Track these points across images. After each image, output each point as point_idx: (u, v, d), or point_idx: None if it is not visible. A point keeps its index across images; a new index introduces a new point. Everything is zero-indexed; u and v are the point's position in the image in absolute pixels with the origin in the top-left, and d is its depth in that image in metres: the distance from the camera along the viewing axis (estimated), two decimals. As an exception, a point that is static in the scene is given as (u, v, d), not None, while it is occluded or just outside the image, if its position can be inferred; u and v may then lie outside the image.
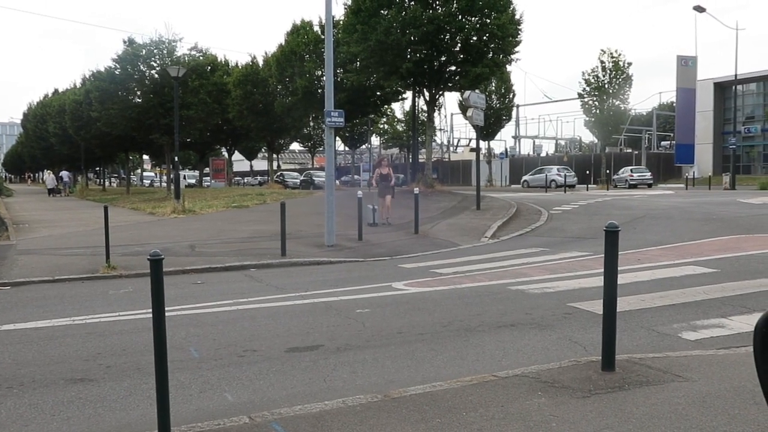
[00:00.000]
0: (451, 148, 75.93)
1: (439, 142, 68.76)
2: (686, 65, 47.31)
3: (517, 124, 70.13)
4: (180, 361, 5.49)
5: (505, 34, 24.19)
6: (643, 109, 79.48)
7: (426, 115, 28.48)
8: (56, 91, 63.96)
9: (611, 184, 43.15)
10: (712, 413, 3.89)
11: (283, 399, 4.57)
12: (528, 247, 13.27)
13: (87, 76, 44.12)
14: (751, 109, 51.47)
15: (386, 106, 44.51)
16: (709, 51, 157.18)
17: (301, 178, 42.77)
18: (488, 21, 24.35)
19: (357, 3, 24.95)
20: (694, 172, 43.58)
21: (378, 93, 33.56)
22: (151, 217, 22.46)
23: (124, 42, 35.23)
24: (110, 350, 6.12)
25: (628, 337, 5.93)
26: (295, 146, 70.55)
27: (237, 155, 63.39)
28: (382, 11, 24.46)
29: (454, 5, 24.04)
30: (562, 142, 77.54)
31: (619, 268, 4.90)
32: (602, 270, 4.87)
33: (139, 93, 35.02)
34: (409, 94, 32.24)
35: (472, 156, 48.65)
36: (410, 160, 39.68)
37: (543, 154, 69.83)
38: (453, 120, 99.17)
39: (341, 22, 27.35)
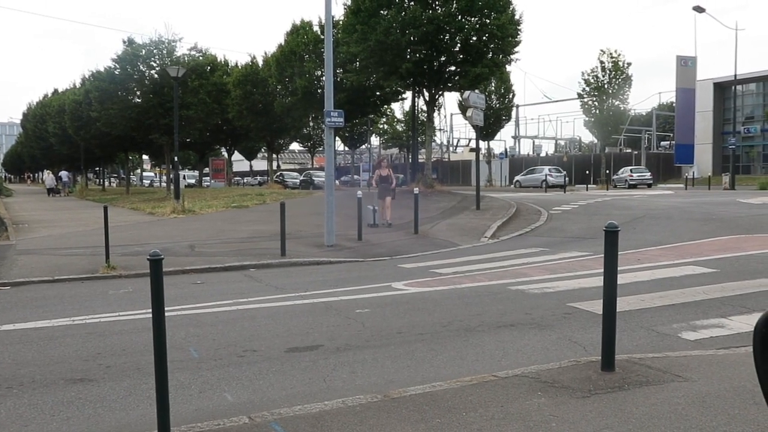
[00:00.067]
0: (451, 148, 75.94)
1: (438, 142, 68.79)
2: (686, 65, 47.32)
3: (517, 125, 70.16)
4: (180, 361, 5.49)
5: (504, 34, 24.19)
6: (642, 109, 79.60)
7: (426, 115, 28.49)
8: (56, 91, 63.99)
9: (611, 184, 43.16)
10: (712, 413, 3.89)
11: (283, 399, 4.57)
12: (528, 247, 13.27)
13: (86, 76, 44.15)
14: (751, 109, 51.49)
15: (386, 106, 44.52)
16: (709, 51, 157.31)
17: (301, 178, 42.76)
18: (488, 21, 24.35)
19: (357, 3, 24.95)
20: (693, 172, 43.59)
21: (378, 93, 33.56)
22: (150, 217, 22.46)
23: (124, 42, 35.27)
24: (110, 350, 6.12)
25: (628, 337, 5.94)
26: (295, 146, 70.56)
27: (237, 155, 63.39)
28: (381, 11, 24.45)
29: (454, 5, 24.04)
30: (562, 142, 77.55)
31: (618, 268, 4.90)
32: (602, 270, 4.87)
33: (138, 93, 35.02)
34: (408, 94, 32.27)
35: (472, 156, 48.63)
36: (410, 160, 39.68)
37: (543, 154, 69.81)
38: (453, 120, 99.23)
39: (341, 22, 27.35)
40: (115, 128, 35.98)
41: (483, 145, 51.70)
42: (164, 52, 33.97)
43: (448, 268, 10.71)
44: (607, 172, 46.51)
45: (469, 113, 21.15)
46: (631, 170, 42.91)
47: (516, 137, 72.39)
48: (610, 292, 4.75)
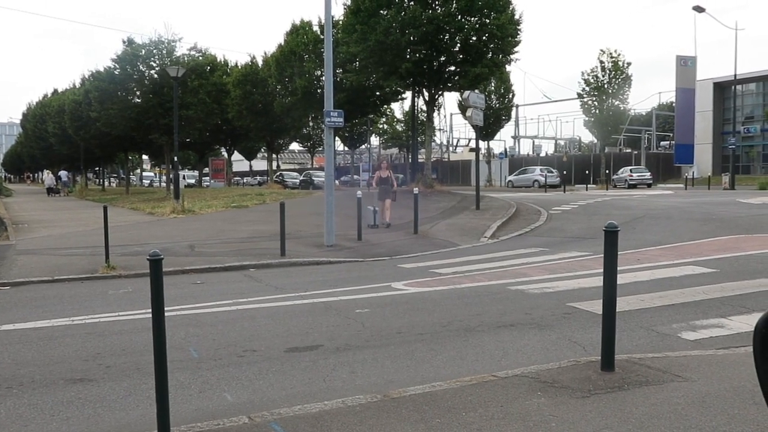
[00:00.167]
0: (451, 148, 75.96)
1: (438, 142, 68.82)
2: (686, 65, 47.33)
3: (517, 124, 70.18)
4: (179, 361, 5.49)
5: (504, 34, 24.19)
6: (642, 109, 79.61)
7: (425, 115, 28.49)
8: (56, 91, 64.02)
9: (611, 184, 43.18)
10: (712, 413, 3.89)
11: (283, 399, 4.57)
12: (527, 247, 13.27)
13: (86, 76, 44.17)
14: (751, 109, 51.50)
15: (385, 106, 44.53)
16: (709, 51, 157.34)
17: (301, 178, 42.75)
18: (487, 21, 24.35)
19: (356, 3, 24.95)
20: (693, 172, 43.59)
21: (377, 93, 33.57)
22: (150, 217, 22.46)
23: (124, 42, 35.29)
24: (110, 350, 6.12)
25: (628, 337, 5.94)
26: (295, 146, 70.54)
27: (236, 155, 63.38)
28: (381, 11, 24.46)
29: (454, 5, 24.04)
30: (562, 142, 77.54)
31: (618, 268, 4.90)
32: (602, 270, 4.87)
33: (138, 93, 35.03)
34: (408, 94, 32.27)
35: (472, 156, 48.62)
36: (410, 160, 39.69)
37: (542, 154, 69.81)
38: (452, 120, 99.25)
39: (341, 22, 27.36)
40: (114, 128, 35.99)
41: (483, 145, 51.72)
42: (164, 52, 33.99)
43: (448, 268, 10.71)
44: (607, 172, 46.51)
45: (468, 113, 21.15)
46: (630, 170, 42.92)
47: (516, 137, 72.42)
48: (609, 292, 4.75)
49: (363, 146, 61.13)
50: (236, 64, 43.68)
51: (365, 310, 7.51)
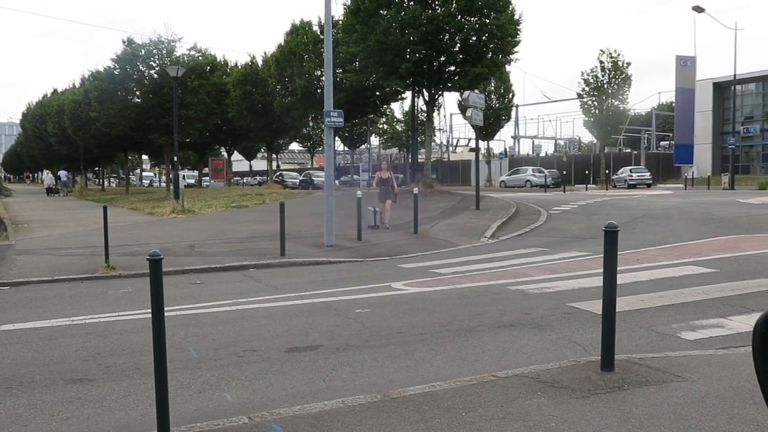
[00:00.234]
0: (451, 148, 75.97)
1: (438, 142, 68.83)
2: (685, 65, 47.34)
3: (517, 124, 70.19)
4: (179, 361, 5.49)
5: (504, 34, 24.19)
6: (642, 109, 79.65)
7: (425, 115, 28.48)
8: (55, 91, 64.01)
9: (610, 184, 43.19)
10: (711, 413, 3.89)
11: (283, 399, 4.57)
12: (527, 247, 13.28)
13: (86, 76, 44.16)
14: (750, 109, 51.52)
15: (385, 106, 44.52)
16: (708, 51, 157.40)
17: (301, 178, 42.76)
18: (487, 21, 24.35)
19: (356, 3, 24.94)
20: (693, 172, 43.60)
21: (377, 93, 33.56)
22: (150, 217, 22.46)
23: (124, 42, 35.30)
24: (110, 350, 6.12)
25: (628, 337, 5.94)
26: (295, 146, 70.51)
27: (236, 155, 63.37)
28: (381, 11, 24.45)
29: (454, 5, 24.04)
30: (562, 142, 77.55)
31: (618, 268, 4.90)
32: (601, 270, 4.88)
33: (138, 93, 35.04)
34: (408, 94, 32.26)
35: (472, 156, 48.61)
36: (409, 160, 39.70)
37: (542, 154, 69.84)
38: (452, 120, 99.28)
39: (340, 22, 27.35)
40: (114, 128, 35.99)
41: (482, 145, 51.70)
42: (164, 52, 33.99)
43: (448, 268, 10.71)
44: (607, 172, 46.52)
45: (468, 113, 21.15)
46: (630, 170, 42.94)
47: (515, 137, 72.42)
48: (609, 292, 4.75)
49: (363, 146, 61.11)
50: (236, 64, 43.70)
51: (365, 310, 7.51)
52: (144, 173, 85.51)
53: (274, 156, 51.03)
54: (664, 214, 17.34)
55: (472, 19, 24.49)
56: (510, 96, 53.10)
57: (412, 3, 24.34)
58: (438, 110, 53.59)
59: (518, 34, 25.11)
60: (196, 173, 63.86)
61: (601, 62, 45.51)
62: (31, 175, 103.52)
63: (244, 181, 66.82)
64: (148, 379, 4.60)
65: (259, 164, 73.49)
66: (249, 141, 52.45)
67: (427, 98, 27.43)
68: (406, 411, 4.04)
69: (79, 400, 4.74)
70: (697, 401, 4.10)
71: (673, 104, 54.38)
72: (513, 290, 8.46)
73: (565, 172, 44.82)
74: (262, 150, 61.62)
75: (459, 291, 8.68)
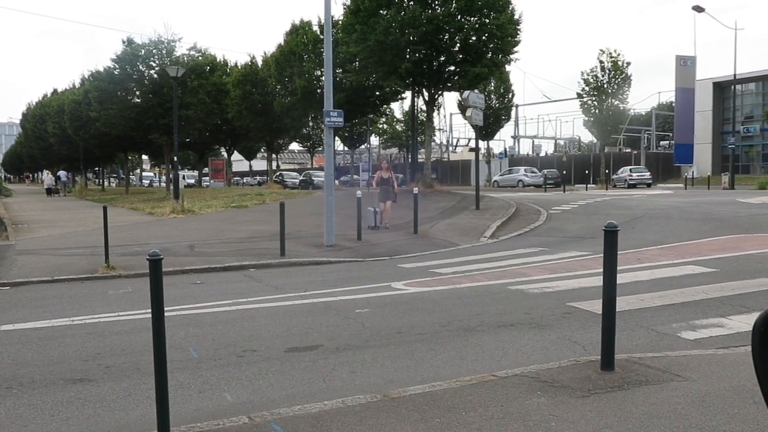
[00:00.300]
0: (450, 148, 75.97)
1: (438, 142, 68.83)
2: (685, 65, 47.35)
3: (516, 124, 70.22)
4: (179, 361, 5.49)
5: (504, 34, 24.19)
6: (642, 108, 79.67)
7: (425, 114, 28.49)
8: (55, 91, 64.01)
9: (610, 183, 43.21)
10: (712, 412, 3.89)
11: (283, 399, 4.57)
12: (527, 246, 13.28)
13: (86, 76, 44.17)
14: (750, 108, 51.53)
15: (385, 106, 44.51)
16: (708, 51, 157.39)
17: (300, 178, 42.76)
18: (487, 21, 24.35)
19: (356, 3, 24.94)
20: (693, 172, 43.61)
21: (377, 93, 33.58)
22: (150, 217, 22.46)
23: (123, 42, 35.31)
24: (109, 350, 6.12)
25: (628, 336, 5.94)
26: (294, 146, 70.51)
27: (236, 155, 63.38)
28: (381, 11, 24.45)
29: (453, 5, 24.04)
30: (562, 142, 77.56)
31: (618, 268, 4.90)
32: (601, 270, 4.88)
33: (138, 93, 35.04)
34: (408, 94, 32.25)
35: (472, 156, 48.62)
36: (409, 160, 39.70)
37: (542, 154, 69.89)
38: (452, 120, 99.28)
39: (340, 22, 27.35)
40: (114, 128, 36.00)
41: (482, 144, 51.72)
42: (163, 52, 33.99)
43: (448, 268, 10.72)
44: (607, 171, 46.54)
45: (468, 113, 21.16)
46: (630, 170, 42.96)
47: (515, 137, 72.45)
48: (609, 291, 4.75)
49: (363, 146, 61.10)
50: (236, 64, 43.69)
51: (365, 310, 7.51)
52: (144, 173, 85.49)
53: (274, 156, 51.03)
54: (664, 214, 17.34)
55: (472, 18, 24.48)
56: (510, 96, 53.12)
57: (411, 3, 24.33)
58: (438, 110, 53.74)
59: (518, 34, 25.11)
60: (196, 173, 63.85)
61: (601, 62, 45.54)
62: (30, 175, 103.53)
63: (244, 181, 66.83)
64: (148, 379, 4.60)
65: (259, 164, 73.50)
66: (249, 141, 52.45)
67: (426, 98, 27.43)
68: (406, 411, 4.04)
69: (79, 400, 4.74)
70: (697, 401, 4.10)
71: (673, 104, 54.40)
72: (513, 290, 8.46)
73: (565, 172, 44.86)
74: (262, 150, 61.62)
75: (459, 291, 8.68)
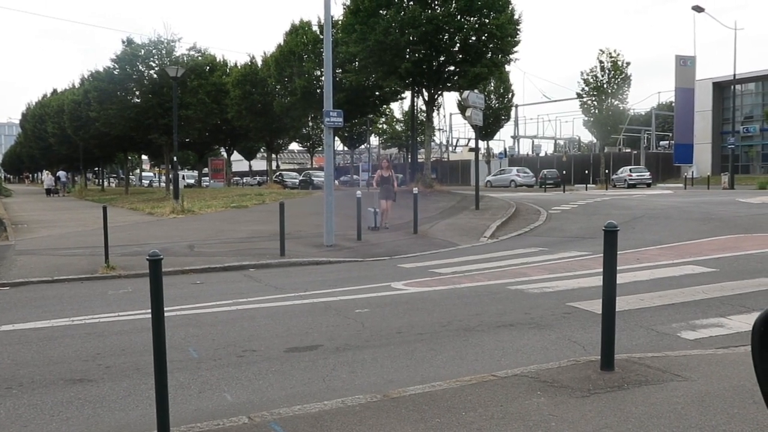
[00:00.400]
0: (450, 148, 75.99)
1: (438, 142, 68.86)
2: (685, 65, 47.36)
3: (516, 124, 70.26)
4: (179, 362, 5.49)
5: (503, 34, 24.20)
6: (641, 108, 79.71)
7: (425, 114, 28.50)
8: (55, 91, 64.01)
9: (610, 183, 43.22)
10: (711, 412, 3.89)
11: (282, 399, 4.57)
12: (527, 246, 13.28)
13: (86, 77, 44.19)
14: (750, 108, 51.54)
15: (385, 106, 44.54)
16: (708, 51, 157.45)
17: (300, 178, 42.75)
18: (487, 21, 24.36)
19: (356, 3, 24.95)
20: (692, 172, 43.64)
21: (377, 93, 33.58)
22: (150, 218, 22.45)
23: (123, 42, 35.31)
24: (109, 350, 6.12)
25: (627, 336, 5.94)
26: (294, 146, 70.50)
27: (236, 155, 63.37)
28: (380, 11, 24.46)
29: (453, 5, 24.05)
30: (561, 142, 77.61)
31: (618, 268, 4.90)
32: (601, 269, 4.88)
33: (137, 93, 35.05)
34: (408, 94, 32.26)
35: (471, 156, 48.67)
36: (409, 160, 39.71)
37: (542, 154, 69.92)
38: (452, 120, 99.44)
39: (340, 22, 27.36)
40: (114, 128, 35.99)
41: (482, 144, 51.76)
42: (163, 52, 34.00)
43: (448, 268, 10.71)
44: (607, 171, 46.56)
45: (468, 113, 21.16)
46: (630, 170, 42.97)
47: (515, 137, 72.49)
48: (609, 291, 4.75)
49: (362, 146, 61.10)
50: (236, 64, 43.70)
51: (365, 310, 7.51)
52: (143, 173, 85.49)
53: (273, 156, 51.03)
54: (664, 214, 17.35)
55: (472, 19, 24.49)
56: (509, 96, 53.17)
57: (411, 3, 24.34)
58: (438, 110, 53.77)
59: (518, 34, 25.13)
60: (195, 173, 63.87)
61: (601, 62, 45.56)
62: (30, 175, 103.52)
63: (244, 181, 66.84)
64: (148, 379, 4.60)
65: (259, 164, 73.50)
66: (248, 141, 52.45)
67: (426, 98, 27.44)
68: (406, 411, 4.04)
69: (79, 400, 4.73)
70: (697, 400, 4.10)
71: (673, 104, 54.42)
72: (512, 290, 8.46)
73: (564, 172, 44.87)
74: (262, 150, 61.61)
75: (459, 291, 8.68)
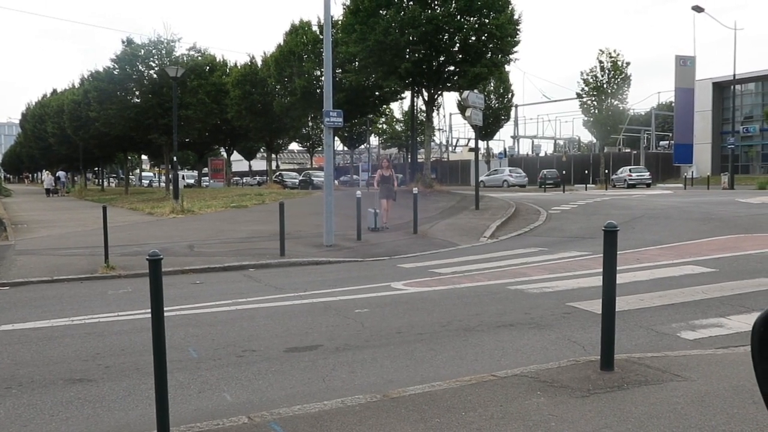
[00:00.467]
0: (450, 148, 75.99)
1: (437, 142, 68.87)
2: (685, 65, 47.37)
3: (516, 124, 70.27)
4: (179, 362, 5.48)
5: (503, 34, 24.20)
6: (641, 108, 79.72)
7: (425, 115, 28.50)
8: (55, 91, 64.01)
9: (610, 183, 43.23)
10: (711, 412, 3.89)
11: (282, 399, 4.57)
12: (527, 246, 13.28)
13: (85, 76, 44.19)
14: (750, 108, 51.55)
15: (385, 106, 44.55)
16: (708, 51, 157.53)
17: (300, 178, 42.75)
18: (487, 21, 24.36)
19: (356, 3, 24.95)
20: (692, 172, 43.64)
21: (377, 93, 33.57)
22: (149, 217, 22.45)
23: (123, 42, 35.31)
24: (109, 350, 6.12)
25: (627, 336, 5.94)
26: (294, 146, 70.50)
27: (236, 155, 63.37)
28: (380, 11, 24.46)
29: (453, 5, 24.05)
30: (561, 142, 77.63)
31: (617, 268, 4.90)
32: (601, 270, 4.88)
33: (137, 93, 35.04)
34: (407, 94, 32.27)
35: (471, 156, 48.68)
36: (409, 160, 39.72)
37: (542, 154, 69.94)
38: (452, 120, 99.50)
39: (340, 22, 27.36)
40: (113, 128, 35.99)
41: (482, 144, 51.76)
42: (163, 52, 33.99)
43: (447, 268, 10.71)
44: (606, 171, 46.56)
45: (468, 113, 21.16)
46: (630, 170, 42.97)
47: (515, 137, 72.51)
48: (609, 291, 4.75)
49: (362, 146, 61.10)
50: (235, 64, 43.70)
51: (364, 310, 7.51)
52: (143, 173, 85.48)
53: (273, 156, 51.02)
54: (664, 214, 17.35)
55: (472, 19, 24.49)
56: (509, 96, 53.18)
57: (411, 3, 24.34)
58: (437, 110, 53.79)
59: (518, 34, 25.13)
60: (195, 173, 63.88)
61: (601, 62, 45.58)
62: (30, 175, 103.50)
63: (244, 181, 66.85)
64: (148, 379, 4.59)
65: (259, 164, 73.52)
66: (248, 141, 52.46)
67: (426, 98, 27.44)
68: (406, 411, 4.04)
69: (79, 400, 4.73)
70: (697, 400, 4.10)
71: (673, 104, 54.43)
72: (512, 290, 8.46)
73: (564, 172, 44.87)
74: (262, 150, 61.63)
75: (458, 291, 8.68)
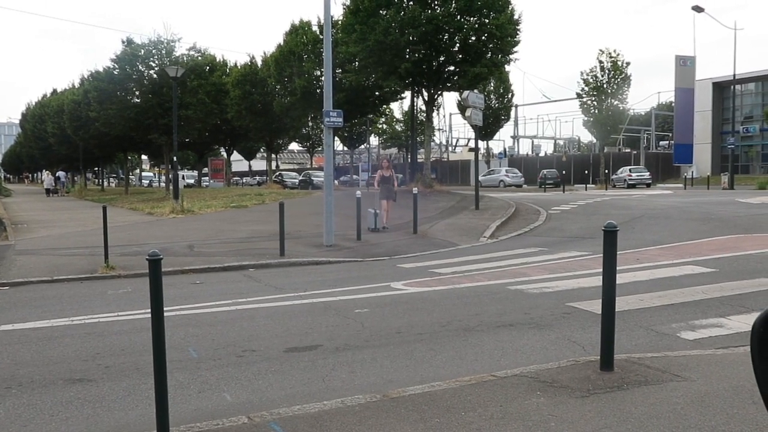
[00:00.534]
0: (450, 148, 76.00)
1: (437, 142, 68.87)
2: (685, 65, 47.37)
3: (516, 124, 70.29)
4: (179, 361, 5.48)
5: (503, 34, 24.20)
6: (641, 109, 79.72)
7: (425, 115, 28.50)
8: (55, 91, 64.01)
9: (610, 183, 43.24)
10: (711, 413, 3.89)
11: (282, 399, 4.57)
12: (527, 246, 13.27)
13: (85, 76, 44.20)
14: (750, 108, 51.55)
15: (385, 106, 44.55)
16: (708, 51, 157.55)
17: (300, 178, 42.75)
18: (487, 21, 24.37)
19: (356, 3, 24.95)
20: (692, 172, 43.64)
21: (377, 93, 33.58)
22: (149, 217, 22.45)
23: (123, 42, 35.32)
24: (109, 350, 6.12)
25: (627, 336, 5.94)
26: (294, 146, 70.50)
27: (236, 155, 63.38)
28: (380, 11, 24.46)
29: (453, 5, 24.05)
30: (561, 142, 77.65)
31: (617, 268, 4.90)
32: (601, 270, 4.88)
33: (137, 93, 35.05)
34: (407, 94, 32.27)
35: (471, 156, 48.69)
36: (409, 160, 39.72)
37: (542, 154, 69.94)
38: (452, 120, 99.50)
39: (340, 22, 27.36)
40: (113, 128, 35.99)
41: (482, 144, 51.78)
42: (163, 52, 34.00)
43: (447, 268, 10.71)
44: (606, 171, 46.56)
45: (468, 113, 21.16)
46: (630, 170, 42.98)
47: (515, 137, 72.53)
48: (609, 291, 4.75)
49: (362, 146, 61.10)
50: (235, 64, 43.71)
51: (364, 310, 7.51)
52: (143, 173, 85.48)
53: (273, 156, 51.02)
54: (664, 214, 17.35)
55: (472, 19, 24.50)
56: (509, 96, 53.20)
57: (411, 3, 24.34)
58: (437, 110, 53.79)
59: (518, 34, 25.13)
60: (195, 173, 63.88)
61: (601, 62, 45.59)
62: (30, 175, 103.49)
63: (244, 181, 66.85)
64: (148, 379, 4.59)
65: (259, 164, 73.52)
66: (248, 141, 52.46)
67: (426, 98, 27.44)
68: (406, 411, 4.04)
69: (79, 400, 4.73)
70: (697, 401, 4.10)
71: (673, 104, 54.43)
72: (512, 290, 8.46)
73: (564, 172, 44.88)
74: (262, 150, 61.63)
75: (458, 291, 8.68)
